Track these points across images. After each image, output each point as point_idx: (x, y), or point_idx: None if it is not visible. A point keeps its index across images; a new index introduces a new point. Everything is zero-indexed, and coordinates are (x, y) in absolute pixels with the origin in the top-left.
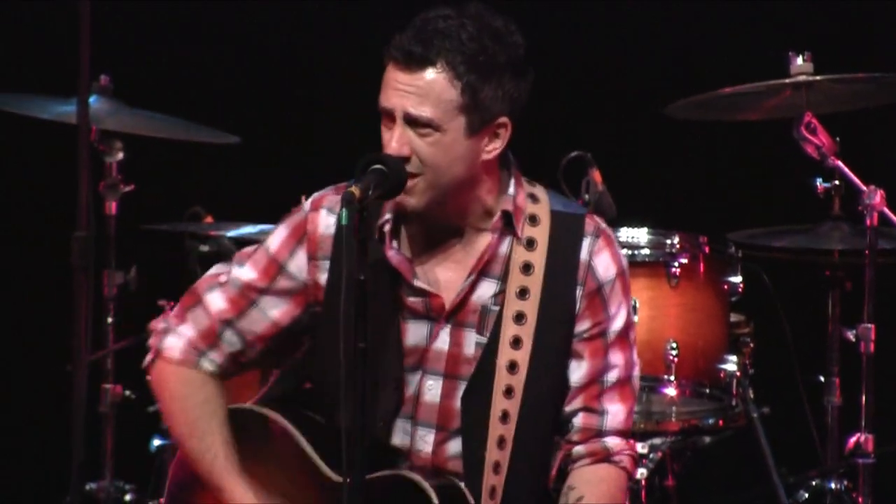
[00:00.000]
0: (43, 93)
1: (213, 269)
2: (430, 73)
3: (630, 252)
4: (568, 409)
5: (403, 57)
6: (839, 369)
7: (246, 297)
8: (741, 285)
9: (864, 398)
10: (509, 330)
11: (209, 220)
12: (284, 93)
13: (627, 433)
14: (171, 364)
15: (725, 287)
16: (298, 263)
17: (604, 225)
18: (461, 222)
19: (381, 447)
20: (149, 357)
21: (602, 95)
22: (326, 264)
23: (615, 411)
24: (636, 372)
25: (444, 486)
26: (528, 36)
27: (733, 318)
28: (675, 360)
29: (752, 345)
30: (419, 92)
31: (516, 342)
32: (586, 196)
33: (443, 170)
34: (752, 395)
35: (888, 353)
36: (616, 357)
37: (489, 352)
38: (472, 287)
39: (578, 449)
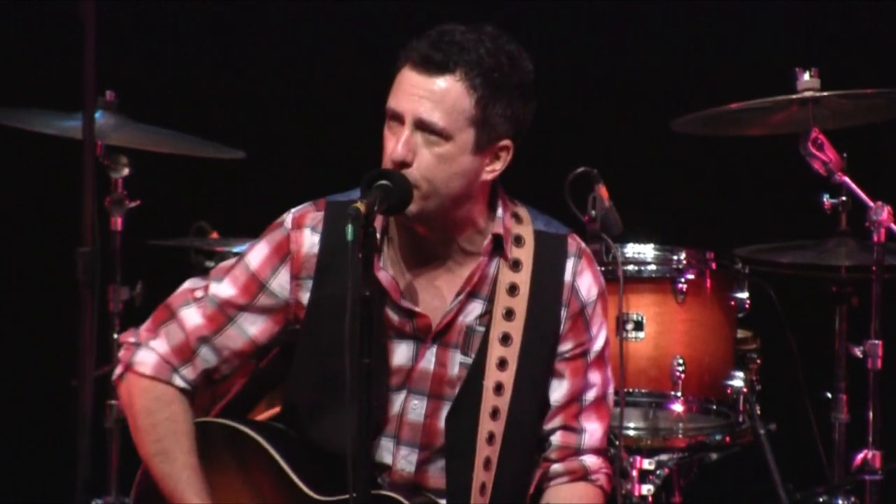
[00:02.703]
0: (48, 108)
1: (187, 284)
2: (448, 81)
3: (636, 268)
4: (547, 427)
5: (422, 60)
6: (846, 385)
7: (224, 313)
8: (748, 301)
9: (871, 414)
10: (496, 351)
11: (215, 235)
12: (289, 108)
13: (604, 451)
14: (142, 378)
15: (732, 303)
16: (281, 282)
17: (584, 245)
18: (451, 241)
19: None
20: (118, 370)
21: (608, 111)
22: (310, 283)
23: (592, 430)
24: (611, 389)
25: None
26: (534, 51)
27: (740, 333)
28: (682, 376)
29: (758, 361)
30: (434, 98)
31: (502, 364)
32: (593, 212)
33: (442, 182)
34: (758, 412)
35: (895, 369)
36: (595, 376)
37: (475, 373)
38: (461, 308)
39: (556, 467)
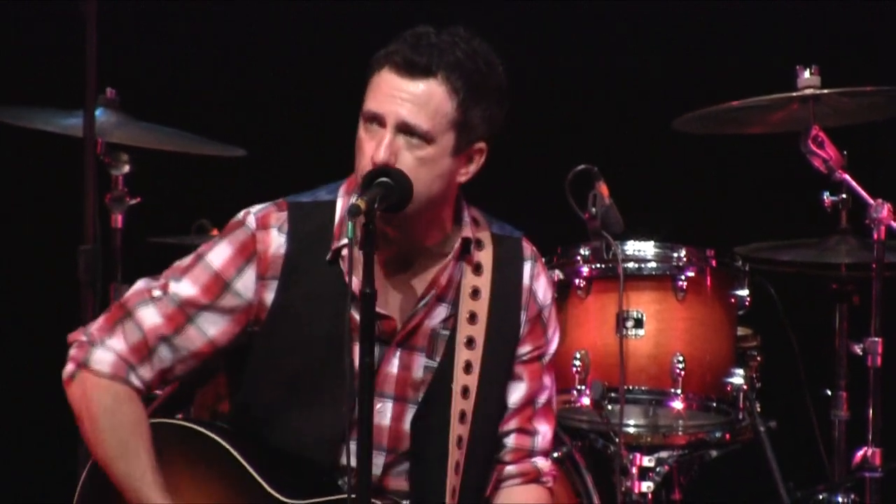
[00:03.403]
0: (49, 106)
1: (141, 283)
2: (430, 84)
3: (637, 265)
4: (503, 429)
5: (405, 64)
6: (846, 383)
7: (184, 313)
8: (748, 299)
9: (871, 412)
10: (462, 355)
11: (215, 233)
12: (290, 106)
13: (551, 453)
14: (99, 377)
15: (732, 300)
16: (246, 282)
17: (535, 248)
18: (419, 244)
19: (327, 469)
20: (70, 368)
21: (609, 108)
22: (275, 284)
23: (544, 431)
24: (554, 391)
25: None
26: (535, 50)
27: (740, 331)
28: (682, 373)
29: (759, 358)
30: (417, 101)
31: (468, 367)
32: (593, 210)
33: (424, 185)
34: (759, 409)
35: (895, 366)
36: (548, 379)
37: (441, 376)
38: (427, 311)
39: (510, 469)
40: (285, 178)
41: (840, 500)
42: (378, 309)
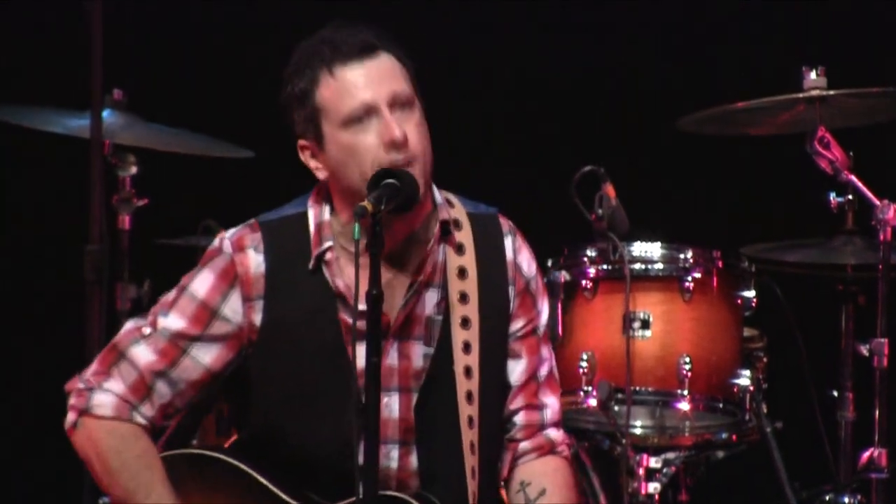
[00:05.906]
0: (56, 107)
1: (130, 324)
2: (384, 56)
3: (643, 266)
4: (511, 407)
5: (358, 51)
6: (853, 384)
7: (177, 346)
8: (755, 300)
9: (877, 413)
10: (459, 336)
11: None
12: None
13: (561, 423)
14: (103, 421)
15: (739, 301)
16: (233, 307)
17: (511, 223)
18: (414, 229)
19: (344, 470)
20: (71, 417)
21: (615, 109)
22: (261, 304)
23: (551, 403)
24: (554, 361)
25: (422, 497)
26: (541, 50)
27: (747, 332)
28: (689, 374)
29: (765, 359)
30: (389, 72)
31: (467, 347)
32: (600, 211)
33: (428, 149)
34: (765, 410)
35: None
36: (545, 351)
37: (440, 359)
38: (417, 299)
39: (524, 445)
40: (293, 180)
41: (846, 500)
42: (363, 307)
